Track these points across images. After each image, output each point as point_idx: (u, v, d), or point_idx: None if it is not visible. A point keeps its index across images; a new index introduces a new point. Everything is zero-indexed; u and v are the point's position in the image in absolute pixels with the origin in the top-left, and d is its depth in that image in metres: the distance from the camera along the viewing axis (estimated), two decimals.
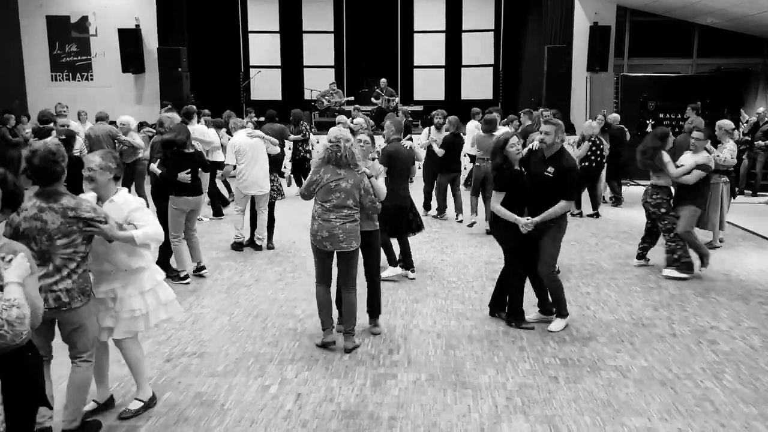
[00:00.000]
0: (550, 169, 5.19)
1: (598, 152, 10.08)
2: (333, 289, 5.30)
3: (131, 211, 3.83)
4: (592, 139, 10.05)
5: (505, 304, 5.69)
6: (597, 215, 10.35)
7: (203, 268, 7.01)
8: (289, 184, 11.10)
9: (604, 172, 10.61)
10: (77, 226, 3.47)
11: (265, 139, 7.93)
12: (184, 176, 6.55)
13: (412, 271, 6.97)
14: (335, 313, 5.32)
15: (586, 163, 10.01)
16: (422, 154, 6.95)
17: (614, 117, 11.55)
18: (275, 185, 8.22)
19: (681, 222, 6.93)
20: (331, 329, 5.12)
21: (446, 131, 9.65)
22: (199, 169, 6.85)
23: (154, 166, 6.83)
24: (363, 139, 5.38)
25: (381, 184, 5.16)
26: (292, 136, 11.48)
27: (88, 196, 3.85)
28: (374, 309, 5.48)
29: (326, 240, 4.89)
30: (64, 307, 3.54)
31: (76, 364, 3.70)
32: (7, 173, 2.78)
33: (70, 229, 3.47)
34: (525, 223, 5.20)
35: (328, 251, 4.98)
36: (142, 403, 4.09)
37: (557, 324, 5.51)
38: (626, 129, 11.78)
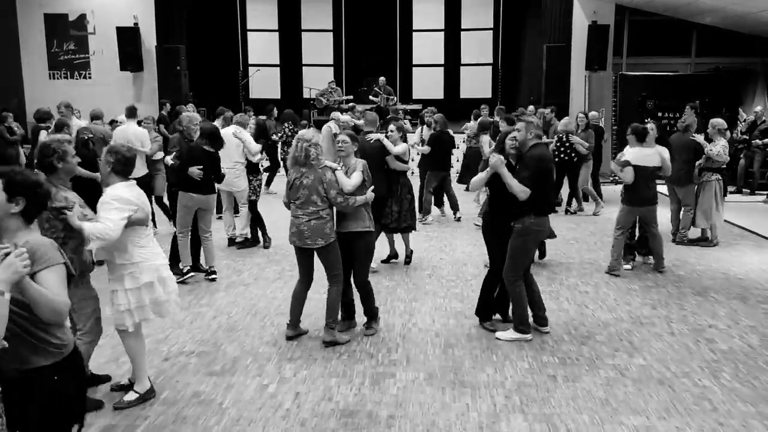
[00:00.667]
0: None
1: (563, 149, 10.05)
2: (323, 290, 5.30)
3: (100, 203, 3.97)
4: (558, 135, 10.08)
5: (501, 306, 5.67)
6: (576, 211, 10.39)
7: (214, 272, 6.88)
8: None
9: (585, 171, 10.42)
10: (52, 214, 3.69)
11: (246, 144, 7.85)
12: (195, 171, 6.47)
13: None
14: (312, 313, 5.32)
15: (556, 160, 10.04)
16: (395, 148, 6.89)
17: (593, 115, 11.48)
18: (253, 185, 8.17)
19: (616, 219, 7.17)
20: (296, 325, 5.30)
21: (434, 129, 9.69)
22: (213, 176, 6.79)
23: (168, 158, 6.80)
24: (341, 138, 5.31)
25: (347, 179, 5.08)
26: (274, 137, 11.24)
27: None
28: (367, 312, 5.43)
29: (294, 236, 5.06)
30: None
31: (78, 337, 3.90)
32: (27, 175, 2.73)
33: (48, 216, 3.69)
34: (496, 158, 5.10)
35: (299, 248, 5.10)
36: (137, 395, 4.16)
37: (508, 333, 5.26)
38: (603, 127, 11.83)
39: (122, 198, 3.98)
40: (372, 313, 5.44)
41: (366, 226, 5.24)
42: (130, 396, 4.16)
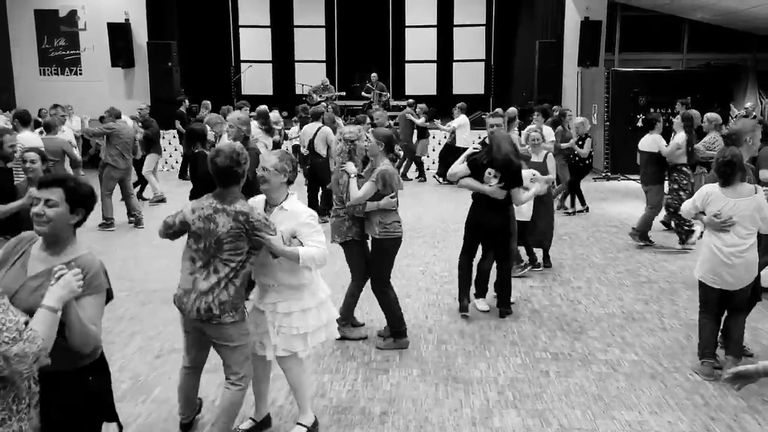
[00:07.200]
0: None
1: (592, 148, 10.06)
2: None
3: (300, 224, 3.51)
4: (589, 134, 9.96)
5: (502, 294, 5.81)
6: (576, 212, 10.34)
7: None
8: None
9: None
10: (245, 233, 3.30)
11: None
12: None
13: None
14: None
15: (589, 160, 9.87)
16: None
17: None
18: None
19: None
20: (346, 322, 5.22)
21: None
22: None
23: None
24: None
25: (354, 190, 4.88)
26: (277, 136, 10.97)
27: (256, 200, 3.69)
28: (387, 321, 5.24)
29: None
30: (213, 320, 3.35)
31: (226, 386, 3.52)
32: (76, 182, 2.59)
33: (237, 234, 3.29)
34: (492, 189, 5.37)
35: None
36: (305, 429, 3.79)
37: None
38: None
39: (314, 215, 3.61)
40: (393, 328, 5.11)
41: (375, 232, 4.90)
42: (298, 430, 3.77)
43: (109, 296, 2.62)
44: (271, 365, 3.81)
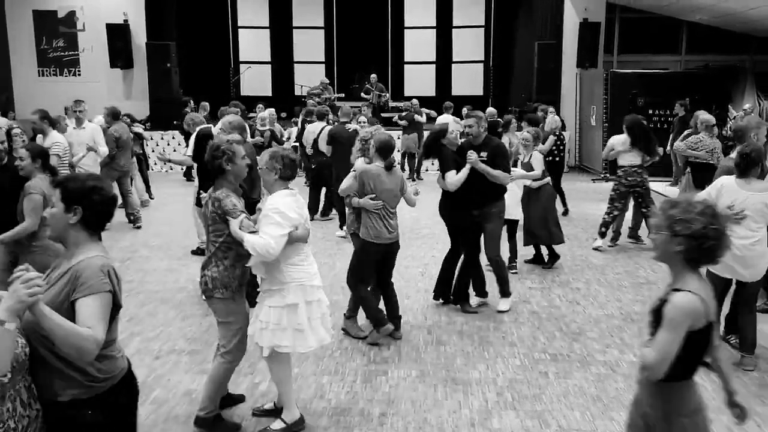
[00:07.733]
0: (483, 154, 5.52)
1: (562, 147, 9.97)
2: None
3: (262, 215, 3.65)
4: (556, 133, 9.95)
5: (451, 288, 6.00)
6: (566, 212, 10.24)
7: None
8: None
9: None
10: (220, 216, 3.64)
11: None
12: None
13: None
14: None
15: (550, 158, 9.89)
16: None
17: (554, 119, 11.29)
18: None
19: None
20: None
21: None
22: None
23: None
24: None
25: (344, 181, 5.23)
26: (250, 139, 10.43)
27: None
28: (368, 317, 5.34)
29: None
30: (208, 293, 3.76)
31: (215, 357, 3.87)
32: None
33: (214, 217, 3.67)
34: (473, 159, 5.47)
35: None
36: (284, 425, 3.82)
37: (505, 303, 5.87)
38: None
39: (283, 213, 3.60)
40: (371, 320, 5.21)
41: (359, 230, 5.05)
42: (277, 425, 3.81)
43: (117, 304, 2.42)
44: (289, 358, 3.89)
